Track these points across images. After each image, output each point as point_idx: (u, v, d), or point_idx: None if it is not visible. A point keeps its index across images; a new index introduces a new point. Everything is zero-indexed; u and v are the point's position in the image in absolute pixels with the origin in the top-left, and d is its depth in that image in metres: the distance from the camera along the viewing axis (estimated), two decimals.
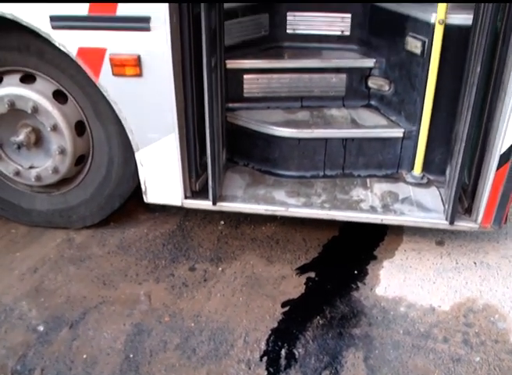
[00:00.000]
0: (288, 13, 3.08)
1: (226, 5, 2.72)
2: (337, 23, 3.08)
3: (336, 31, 3.10)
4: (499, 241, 2.91)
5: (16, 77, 2.69)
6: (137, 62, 2.35)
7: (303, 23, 3.10)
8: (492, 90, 2.31)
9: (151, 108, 2.48)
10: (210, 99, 2.40)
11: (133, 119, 2.53)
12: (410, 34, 2.66)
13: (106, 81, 2.44)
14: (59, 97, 2.69)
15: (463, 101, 2.38)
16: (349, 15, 3.03)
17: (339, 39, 3.11)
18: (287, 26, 3.12)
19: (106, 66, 2.40)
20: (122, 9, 2.27)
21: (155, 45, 2.31)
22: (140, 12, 2.25)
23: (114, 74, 2.41)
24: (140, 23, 2.27)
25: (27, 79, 2.69)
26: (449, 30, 2.48)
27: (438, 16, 2.45)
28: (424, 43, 2.58)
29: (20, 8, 2.34)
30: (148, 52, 2.33)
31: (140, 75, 2.39)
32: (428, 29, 2.53)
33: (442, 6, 2.41)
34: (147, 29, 2.27)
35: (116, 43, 2.34)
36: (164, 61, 2.33)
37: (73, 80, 2.60)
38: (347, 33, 3.09)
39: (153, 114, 2.49)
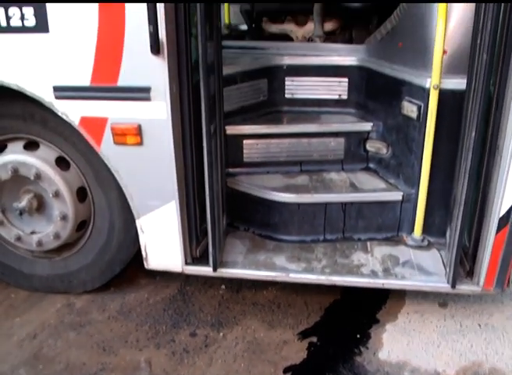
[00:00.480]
0: (286, 78, 3.15)
1: (225, 72, 2.80)
2: (334, 87, 3.14)
3: (333, 95, 3.16)
4: (504, 301, 2.88)
5: (20, 144, 2.75)
6: (138, 131, 2.39)
7: (301, 87, 3.17)
8: (488, 154, 2.34)
9: (151, 176, 2.51)
10: (209, 166, 2.44)
11: (133, 186, 2.56)
12: (406, 99, 2.71)
13: (107, 150, 2.48)
14: (62, 163, 2.74)
15: (460, 166, 2.40)
16: (346, 79, 3.10)
17: (337, 103, 3.17)
18: (286, 91, 3.18)
19: (107, 135, 2.44)
20: (123, 79, 2.32)
21: (156, 115, 2.36)
22: (141, 82, 2.30)
23: (115, 143, 2.45)
24: (141, 93, 2.32)
25: (31, 146, 2.75)
26: (444, 95, 2.52)
27: (432, 81, 2.50)
28: (419, 107, 2.62)
29: (24, 79, 2.41)
30: (149, 122, 2.38)
31: (140, 144, 2.43)
32: (424, 93, 2.57)
33: (436, 71, 2.46)
34: (148, 99, 2.32)
35: (117, 112, 2.39)
36: (164, 130, 2.37)
37: (76, 148, 2.65)
38: (345, 97, 3.15)
39: (153, 182, 2.52)
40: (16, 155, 2.74)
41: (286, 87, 3.19)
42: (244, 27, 4.01)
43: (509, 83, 2.20)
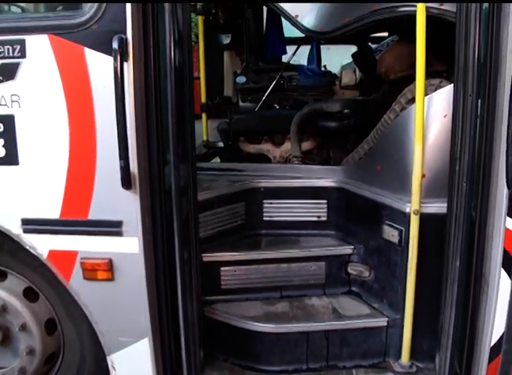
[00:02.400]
0: (264, 201, 3.10)
1: (202, 197, 2.76)
2: (313, 209, 3.09)
3: (312, 217, 3.10)
4: None
5: None
6: (109, 266, 2.30)
7: (279, 210, 3.11)
8: (474, 282, 2.26)
9: (123, 312, 2.39)
10: (183, 296, 2.34)
11: (104, 323, 2.43)
12: (387, 223, 2.66)
13: (77, 285, 2.37)
14: (30, 294, 2.61)
15: (445, 296, 2.32)
16: (325, 201, 3.06)
17: (317, 225, 3.10)
18: (264, 214, 3.12)
19: (77, 270, 2.34)
20: (94, 213, 2.25)
21: (128, 249, 2.28)
22: (112, 216, 2.23)
23: (85, 278, 2.35)
24: (113, 228, 2.25)
25: None
26: (426, 219, 2.48)
27: (412, 206, 2.46)
28: (401, 232, 2.57)
29: None
30: (121, 256, 2.29)
31: (112, 279, 2.33)
32: (404, 218, 2.53)
33: (415, 196, 2.43)
34: (120, 234, 2.25)
35: (88, 247, 2.31)
36: (137, 265, 2.28)
37: (45, 279, 2.54)
38: (324, 218, 3.10)
39: (125, 318, 2.40)
40: None
41: (264, 209, 3.12)
42: (221, 144, 4.03)
43: (490, 208, 2.16)
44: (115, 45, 2.01)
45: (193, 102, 2.42)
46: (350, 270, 2.97)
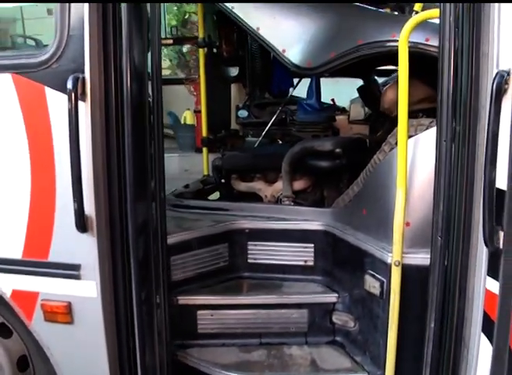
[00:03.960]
0: (249, 243, 3.00)
1: (180, 238, 2.77)
2: (300, 253, 2.97)
3: (299, 261, 2.98)
4: None
5: None
6: (68, 309, 2.28)
7: (265, 252, 3.01)
8: (454, 346, 2.10)
9: (82, 355, 2.37)
10: (141, 340, 2.26)
11: (64, 365, 2.41)
12: (369, 272, 2.54)
13: (38, 326, 2.36)
14: (4, 330, 2.57)
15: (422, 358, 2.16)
16: (312, 244, 2.94)
17: (303, 269, 2.98)
18: (248, 256, 3.02)
19: (38, 311, 2.32)
20: (54, 255, 2.22)
21: (86, 293, 2.23)
22: (71, 259, 2.19)
23: (46, 320, 2.33)
24: (71, 271, 2.23)
25: None
26: (409, 271, 2.33)
27: (394, 257, 2.32)
28: (382, 283, 2.44)
29: None
30: (79, 300, 2.27)
31: (71, 322, 2.31)
32: (386, 269, 2.40)
33: (397, 247, 2.29)
34: (78, 277, 2.22)
35: (48, 289, 2.30)
36: (95, 309, 2.23)
37: (17, 316, 2.48)
38: (311, 263, 2.97)
39: (85, 362, 2.38)
40: None
41: (249, 251, 3.02)
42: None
43: (470, 266, 2.02)
44: (69, 85, 1.97)
45: (162, 140, 2.36)
46: (334, 319, 2.84)
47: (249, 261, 3.04)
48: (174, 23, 8.72)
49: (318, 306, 2.84)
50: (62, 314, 2.27)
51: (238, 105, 4.24)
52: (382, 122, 3.72)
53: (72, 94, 1.98)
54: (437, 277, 2.03)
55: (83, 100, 2.03)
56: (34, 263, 2.26)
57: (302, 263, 2.99)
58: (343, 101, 4.66)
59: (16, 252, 2.27)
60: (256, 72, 4.29)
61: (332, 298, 2.83)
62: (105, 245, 2.16)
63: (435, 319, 2.04)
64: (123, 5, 2.04)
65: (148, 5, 2.23)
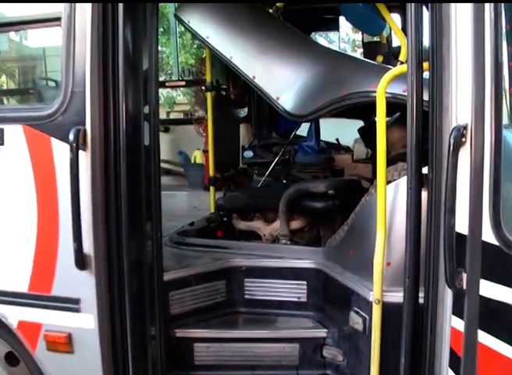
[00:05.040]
0: (246, 279, 3.15)
1: (178, 275, 2.94)
2: (294, 290, 3.11)
3: (293, 298, 3.12)
4: None
5: None
6: (68, 340, 2.45)
7: (261, 289, 3.15)
8: None
9: None
10: (135, 369, 2.45)
11: None
12: (354, 309, 2.66)
13: (41, 355, 2.53)
14: (12, 358, 2.74)
15: None
16: (304, 282, 3.08)
17: (297, 305, 3.11)
18: (245, 292, 3.16)
19: (41, 341, 2.50)
20: (56, 290, 2.42)
21: (85, 325, 2.41)
22: (71, 294, 2.38)
23: (48, 349, 2.50)
24: (71, 304, 2.41)
25: None
26: (390, 308, 2.44)
27: (374, 295, 2.44)
28: (364, 320, 2.55)
29: None
30: (79, 331, 2.44)
31: (71, 352, 2.47)
32: (368, 306, 2.51)
33: (377, 285, 2.41)
34: (78, 310, 2.41)
35: (51, 320, 2.48)
36: (93, 340, 2.40)
37: (24, 346, 2.65)
38: (304, 299, 3.11)
39: None
40: None
41: (246, 288, 3.17)
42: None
43: (439, 305, 2.13)
44: (71, 137, 2.19)
45: (159, 183, 2.56)
46: (325, 353, 2.95)
47: (245, 297, 3.18)
48: (192, 61, 9.08)
49: (308, 340, 2.95)
50: (63, 344, 2.44)
51: (244, 145, 4.43)
52: None
53: (74, 145, 2.20)
54: (406, 315, 2.15)
55: (84, 149, 2.25)
56: (39, 297, 2.45)
57: (296, 299, 3.13)
58: (347, 140, 4.83)
59: (23, 286, 2.47)
60: (262, 113, 4.49)
61: (322, 333, 2.95)
62: (102, 281, 2.35)
63: (405, 355, 2.15)
64: (121, 64, 2.27)
65: (147, 59, 2.47)
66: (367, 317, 2.55)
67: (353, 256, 2.80)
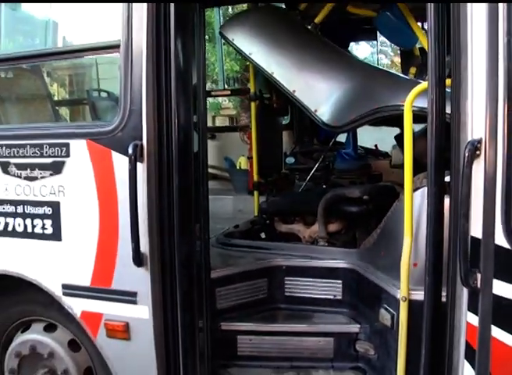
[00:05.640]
0: (286, 278, 3.41)
1: (223, 273, 3.21)
2: (330, 288, 3.35)
3: (329, 295, 3.36)
4: None
5: (41, 326, 3.16)
6: (126, 328, 2.74)
7: (299, 287, 3.40)
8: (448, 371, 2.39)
9: (137, 367, 2.80)
10: (184, 358, 2.71)
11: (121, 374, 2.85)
12: (384, 306, 2.87)
13: (101, 341, 2.83)
14: (74, 345, 3.10)
15: None
16: (340, 281, 3.32)
17: (332, 302, 3.35)
18: (285, 290, 3.42)
19: (102, 329, 2.80)
20: (116, 283, 2.73)
21: (141, 315, 2.70)
22: (129, 287, 2.69)
23: (107, 336, 2.80)
24: (129, 297, 2.70)
25: (50, 327, 3.16)
26: (416, 306, 2.62)
27: (401, 293, 2.65)
28: (393, 316, 2.76)
29: (42, 276, 2.90)
30: (135, 321, 2.72)
31: (128, 339, 2.76)
32: (396, 303, 2.72)
33: (404, 284, 2.62)
34: (135, 302, 2.70)
35: (110, 311, 2.77)
36: (147, 328, 2.69)
37: (85, 334, 2.98)
38: (339, 297, 3.34)
39: (138, 373, 2.80)
40: (35, 334, 3.15)
41: (286, 286, 3.43)
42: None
43: (457, 302, 2.31)
44: (130, 151, 2.51)
45: (206, 188, 2.93)
46: (357, 347, 3.18)
47: (286, 294, 3.45)
48: (237, 68, 9.40)
49: (342, 335, 3.19)
50: (121, 332, 2.74)
51: (286, 152, 4.69)
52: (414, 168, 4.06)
53: (132, 158, 2.51)
54: (426, 311, 2.36)
55: (141, 161, 2.55)
56: (100, 290, 2.77)
57: (331, 297, 3.37)
58: (387, 146, 5.02)
59: (86, 281, 2.79)
60: (303, 121, 4.74)
61: (355, 328, 3.18)
62: (156, 277, 2.64)
63: (425, 347, 2.36)
64: (173, 83, 2.57)
65: (195, 73, 2.76)
66: (395, 313, 2.76)
67: (384, 258, 3.01)
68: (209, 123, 11.31)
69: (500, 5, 2.07)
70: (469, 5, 2.15)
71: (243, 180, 5.10)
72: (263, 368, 3.23)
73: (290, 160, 4.53)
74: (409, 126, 2.61)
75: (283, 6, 4.80)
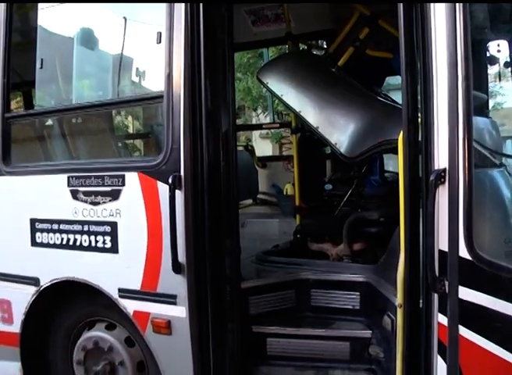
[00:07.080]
0: (312, 290, 3.91)
1: (254, 283, 3.78)
2: (349, 299, 3.80)
3: (348, 305, 3.81)
4: None
5: (103, 325, 3.82)
6: (168, 324, 3.33)
7: (324, 298, 3.88)
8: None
9: (177, 359, 3.38)
10: (215, 356, 3.25)
11: (164, 364, 3.44)
12: (387, 313, 3.29)
13: (149, 336, 3.44)
14: (129, 341, 3.73)
15: None
16: (358, 293, 3.78)
17: (351, 312, 3.80)
18: (311, 300, 3.90)
19: (149, 326, 3.41)
20: (161, 288, 3.34)
21: (180, 314, 3.28)
22: (171, 291, 3.30)
23: (154, 331, 3.40)
24: (171, 299, 3.30)
25: (111, 326, 3.81)
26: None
27: (398, 300, 3.02)
28: (392, 321, 3.17)
29: (103, 282, 3.55)
30: (176, 319, 3.31)
31: (170, 334, 3.35)
32: (395, 310, 3.08)
33: (400, 291, 2.98)
34: (175, 303, 3.29)
35: (156, 310, 3.37)
36: (185, 325, 3.27)
37: (138, 332, 3.59)
38: (357, 307, 3.79)
39: (178, 364, 3.38)
40: (98, 332, 3.80)
41: (312, 297, 3.91)
42: None
43: (433, 305, 2.74)
44: (170, 181, 3.15)
45: (236, 210, 3.46)
46: (370, 351, 3.61)
47: (312, 304, 3.94)
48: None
49: (357, 340, 3.62)
50: (165, 328, 3.32)
51: (324, 179, 5.19)
52: None
53: (172, 186, 3.14)
54: (405, 315, 2.82)
55: (180, 189, 3.17)
56: (148, 293, 3.37)
57: (351, 307, 3.84)
58: None
59: (137, 285, 3.41)
60: None
61: (367, 334, 3.61)
62: (192, 283, 3.21)
63: (405, 344, 2.83)
64: (204, 128, 3.20)
65: (224, 116, 3.35)
66: (394, 319, 3.19)
67: (391, 271, 3.45)
68: (275, 152, 12.01)
69: (459, 51, 2.50)
70: (434, 53, 2.60)
71: (289, 205, 5.53)
72: (288, 367, 3.72)
73: (328, 187, 4.98)
74: (402, 159, 3.06)
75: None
